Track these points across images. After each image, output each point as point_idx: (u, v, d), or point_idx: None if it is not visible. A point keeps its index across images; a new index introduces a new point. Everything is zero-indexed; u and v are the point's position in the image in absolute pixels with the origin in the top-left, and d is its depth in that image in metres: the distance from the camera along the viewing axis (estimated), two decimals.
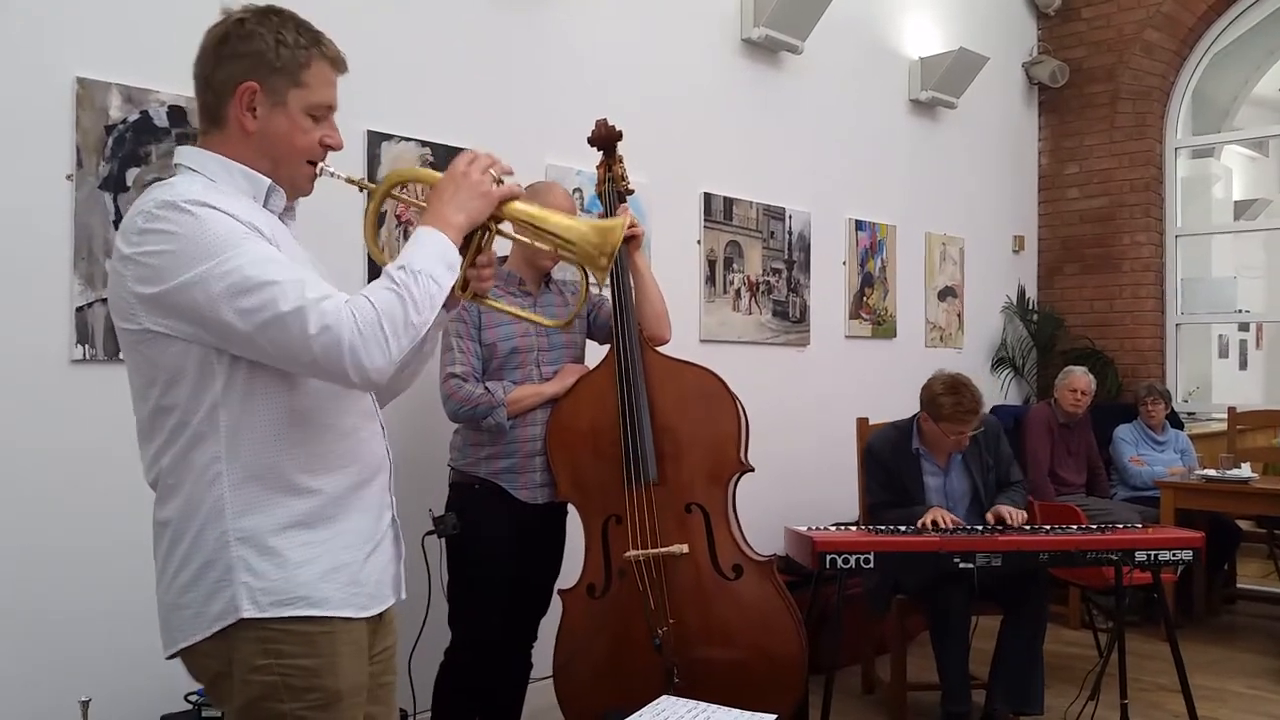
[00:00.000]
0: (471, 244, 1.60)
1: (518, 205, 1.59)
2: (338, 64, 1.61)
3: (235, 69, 1.53)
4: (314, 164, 1.60)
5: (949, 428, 3.67)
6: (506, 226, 1.64)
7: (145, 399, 1.52)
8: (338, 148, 1.63)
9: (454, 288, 1.56)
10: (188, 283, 1.40)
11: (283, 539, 1.50)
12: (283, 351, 1.41)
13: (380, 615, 1.67)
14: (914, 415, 3.86)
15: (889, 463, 3.81)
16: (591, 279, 1.70)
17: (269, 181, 1.57)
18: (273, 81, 1.53)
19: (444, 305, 1.55)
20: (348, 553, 1.57)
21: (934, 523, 3.52)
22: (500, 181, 1.58)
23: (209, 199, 1.45)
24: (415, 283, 1.45)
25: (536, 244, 1.64)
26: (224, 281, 1.39)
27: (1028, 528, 3.53)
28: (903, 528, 3.52)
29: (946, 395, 3.66)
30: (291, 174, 1.59)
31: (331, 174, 1.62)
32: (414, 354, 1.68)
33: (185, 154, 1.57)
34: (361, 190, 1.68)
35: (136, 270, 1.43)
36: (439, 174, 1.60)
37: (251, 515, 1.49)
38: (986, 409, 5.78)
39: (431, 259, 1.49)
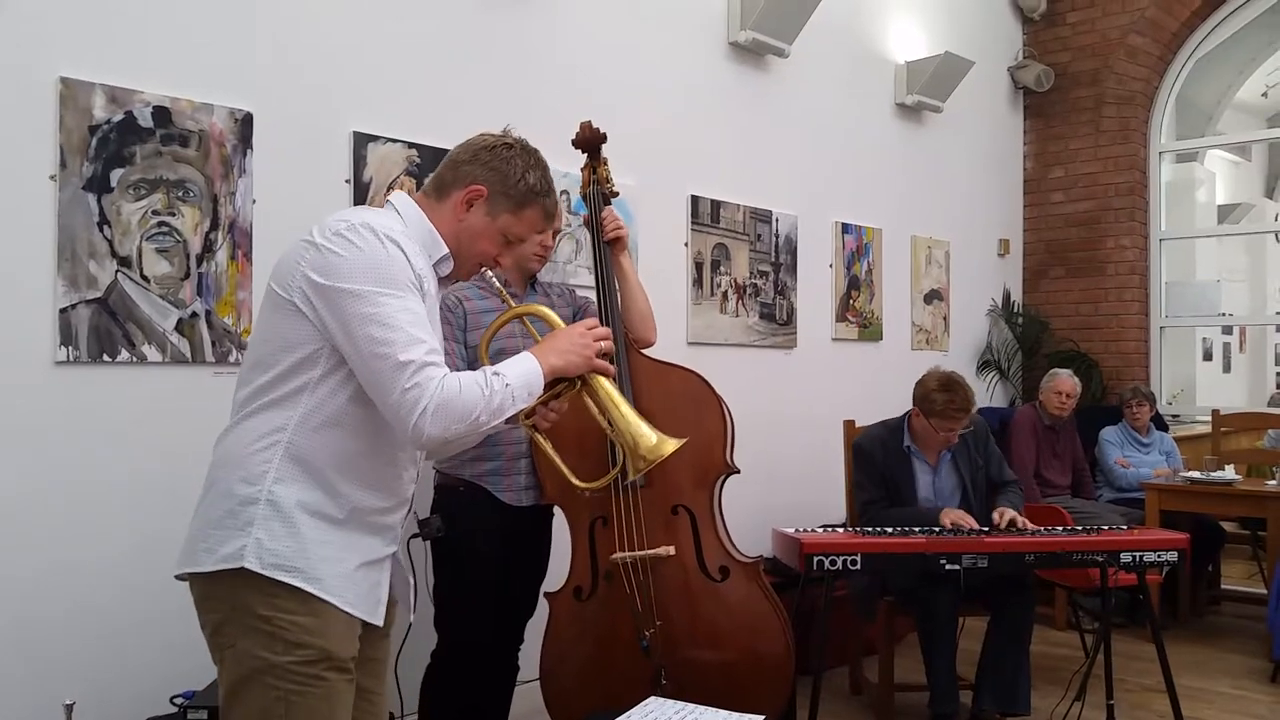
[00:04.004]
0: (555, 389, 1.86)
1: (604, 382, 1.88)
2: (551, 218, 1.96)
3: (480, 172, 1.85)
4: (481, 265, 1.92)
5: (940, 424, 3.68)
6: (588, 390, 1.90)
7: (257, 349, 1.77)
8: (504, 269, 2.00)
9: (520, 413, 1.81)
10: (348, 290, 1.66)
11: (303, 515, 1.70)
12: (375, 381, 1.67)
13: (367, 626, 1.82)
14: (905, 413, 3.87)
15: (879, 460, 3.82)
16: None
17: (446, 251, 1.85)
18: (498, 199, 1.86)
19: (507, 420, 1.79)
20: (351, 552, 1.76)
21: (954, 525, 3.50)
22: (606, 358, 1.87)
23: (401, 241, 1.73)
24: (501, 393, 1.72)
25: (599, 417, 1.92)
26: (373, 307, 1.66)
27: (1039, 530, 3.53)
28: (916, 529, 3.50)
29: (940, 392, 3.67)
30: (462, 262, 1.90)
31: (491, 278, 1.94)
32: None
33: (398, 198, 1.88)
34: (502, 301, 1.97)
35: (317, 257, 1.70)
36: (563, 325, 1.91)
37: (286, 485, 1.70)
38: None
39: (522, 381, 1.76)
